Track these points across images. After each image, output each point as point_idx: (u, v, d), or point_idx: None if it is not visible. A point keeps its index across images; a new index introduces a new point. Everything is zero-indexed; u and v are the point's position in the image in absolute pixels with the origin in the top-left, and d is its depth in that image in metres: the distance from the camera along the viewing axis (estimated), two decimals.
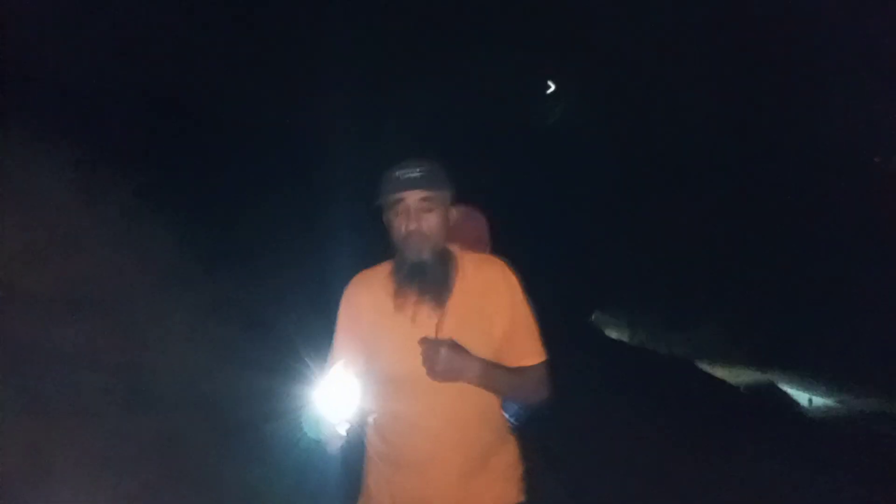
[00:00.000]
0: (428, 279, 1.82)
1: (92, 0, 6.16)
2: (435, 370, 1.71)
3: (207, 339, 4.89)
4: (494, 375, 1.82)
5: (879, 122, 8.06)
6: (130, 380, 3.99)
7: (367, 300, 1.92)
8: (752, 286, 9.64)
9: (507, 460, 1.98)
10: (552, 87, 13.31)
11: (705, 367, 8.95)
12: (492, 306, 1.87)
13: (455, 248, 1.94)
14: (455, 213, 1.93)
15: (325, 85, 9.35)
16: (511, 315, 1.88)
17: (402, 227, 1.80)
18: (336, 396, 1.66)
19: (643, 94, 11.25)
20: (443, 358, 1.71)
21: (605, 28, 11.03)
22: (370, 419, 1.86)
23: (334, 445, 1.73)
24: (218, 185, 7.01)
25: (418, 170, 1.80)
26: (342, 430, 1.66)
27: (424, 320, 1.82)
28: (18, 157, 4.53)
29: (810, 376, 8.26)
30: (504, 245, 2.19)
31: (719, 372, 8.78)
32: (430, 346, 1.73)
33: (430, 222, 1.81)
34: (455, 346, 1.74)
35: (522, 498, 1.97)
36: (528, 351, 1.90)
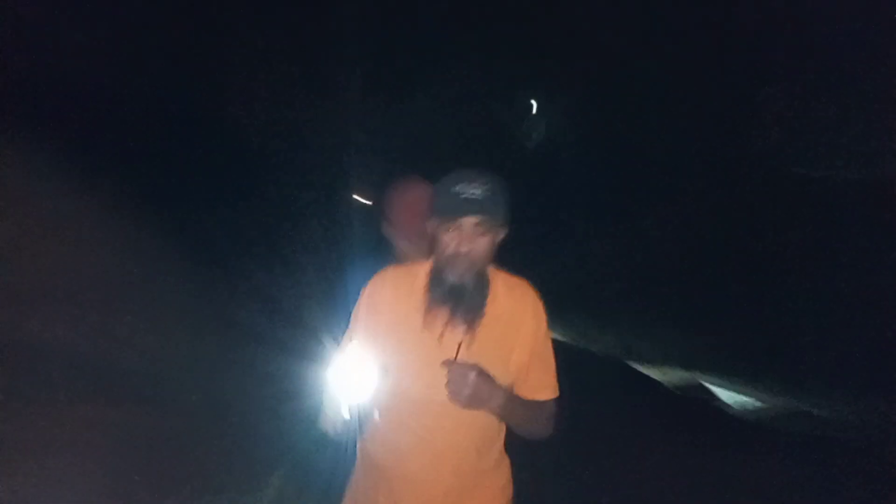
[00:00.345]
0: (464, 303, 1.77)
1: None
2: (461, 395, 1.66)
3: (223, 323, 5.05)
4: (514, 407, 1.78)
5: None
6: (149, 370, 3.97)
7: (393, 305, 1.86)
8: (683, 288, 9.83)
9: (500, 482, 1.98)
10: (534, 107, 13.24)
11: (638, 366, 9.12)
12: (515, 336, 1.84)
13: (490, 270, 1.87)
14: (504, 234, 1.85)
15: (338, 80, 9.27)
16: (532, 347, 1.85)
17: (451, 247, 1.75)
18: (350, 376, 1.69)
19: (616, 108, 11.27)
20: (471, 384, 1.66)
21: (587, 42, 11.01)
22: (375, 416, 1.83)
23: (340, 425, 1.75)
24: (231, 174, 6.95)
25: (480, 190, 1.72)
26: (353, 410, 1.69)
27: (451, 342, 1.76)
28: (8, 153, 4.38)
29: (737, 377, 8.45)
30: None
31: (652, 372, 8.94)
32: (459, 371, 1.67)
33: (481, 247, 1.75)
34: (483, 374, 1.69)
35: None
36: (543, 385, 1.89)
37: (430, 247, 1.86)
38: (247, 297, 5.64)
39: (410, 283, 1.87)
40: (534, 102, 13.11)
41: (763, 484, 4.55)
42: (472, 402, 1.67)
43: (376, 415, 1.79)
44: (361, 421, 1.77)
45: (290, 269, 6.42)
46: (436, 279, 1.81)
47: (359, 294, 2.00)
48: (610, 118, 11.31)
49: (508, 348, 1.83)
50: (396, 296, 1.86)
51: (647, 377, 8.64)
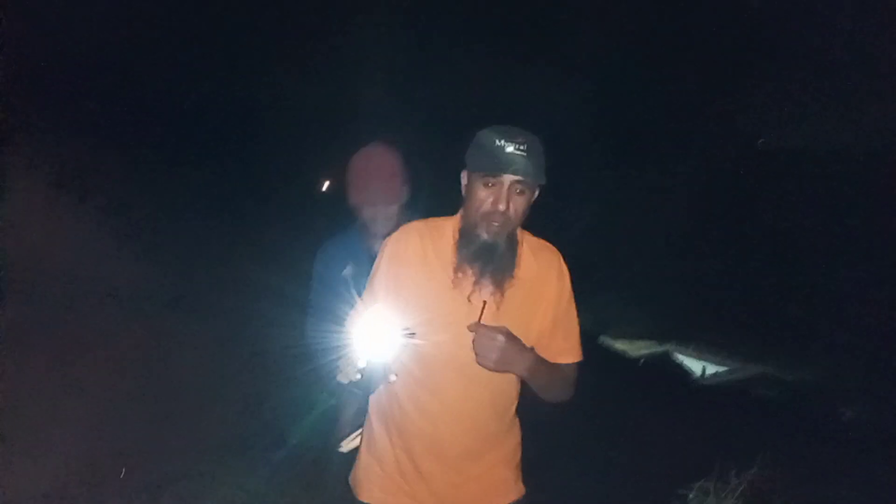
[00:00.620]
0: (494, 263, 1.73)
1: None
2: (489, 358, 1.61)
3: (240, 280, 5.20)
4: (540, 371, 1.75)
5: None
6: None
7: (420, 261, 1.80)
8: (650, 261, 9.97)
9: (512, 443, 1.97)
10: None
11: (606, 340, 9.26)
12: (540, 298, 1.82)
13: (521, 232, 1.82)
14: (538, 193, 1.79)
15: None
16: (556, 309, 1.84)
17: (487, 202, 1.68)
18: (373, 336, 1.59)
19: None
20: (499, 347, 1.61)
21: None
22: (391, 378, 1.73)
23: (356, 376, 1.63)
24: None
25: (525, 147, 1.65)
26: (370, 365, 1.60)
27: (478, 302, 1.72)
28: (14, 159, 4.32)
29: (704, 347, 8.60)
30: None
31: (619, 345, 9.07)
32: (487, 334, 1.62)
33: (519, 206, 1.70)
34: (511, 336, 1.65)
35: (520, 483, 1.99)
36: (566, 349, 1.89)
37: (464, 201, 1.79)
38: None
39: (437, 239, 1.82)
40: None
41: (733, 447, 4.68)
42: (500, 364, 1.63)
43: (392, 377, 1.71)
44: (377, 375, 1.68)
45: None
46: (466, 237, 1.75)
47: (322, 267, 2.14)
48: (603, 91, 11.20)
49: (533, 311, 1.81)
50: (423, 251, 1.81)
51: (617, 351, 8.78)
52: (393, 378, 1.71)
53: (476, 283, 1.75)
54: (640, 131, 10.86)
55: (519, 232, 1.81)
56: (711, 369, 7.96)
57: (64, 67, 5.31)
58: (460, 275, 1.75)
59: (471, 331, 1.65)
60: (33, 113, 4.61)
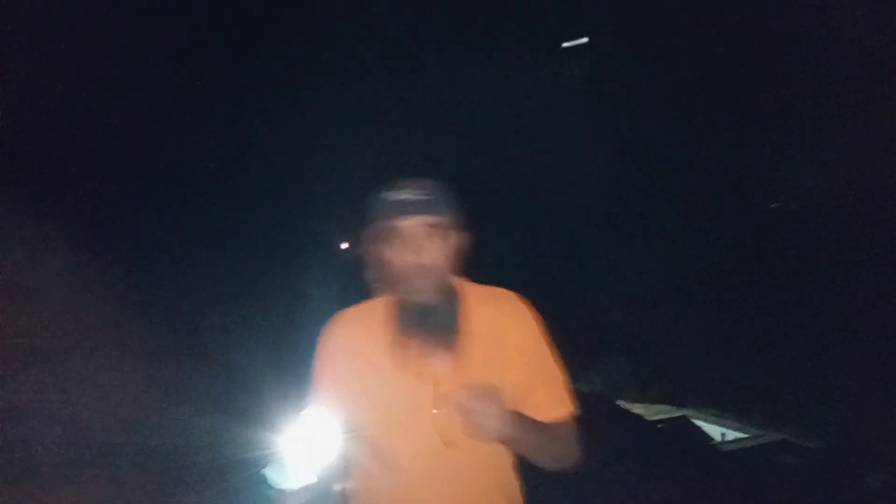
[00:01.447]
0: (436, 325, 1.53)
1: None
2: (486, 425, 1.37)
3: (165, 383, 4.64)
4: (529, 429, 1.49)
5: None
6: (85, 429, 3.79)
7: (353, 349, 1.61)
8: (666, 324, 9.91)
9: None
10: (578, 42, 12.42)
11: (624, 404, 9.15)
12: (502, 350, 1.57)
13: (458, 281, 1.63)
14: (464, 239, 1.61)
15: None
16: (527, 360, 1.59)
17: (401, 261, 1.50)
18: (308, 443, 1.43)
19: None
20: (496, 412, 1.37)
21: None
22: (340, 487, 1.57)
23: (299, 500, 1.44)
24: (173, 224, 6.66)
25: (416, 190, 1.51)
26: (311, 481, 1.41)
27: (429, 376, 1.52)
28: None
29: (723, 412, 8.49)
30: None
31: (637, 408, 8.96)
32: (475, 401, 1.38)
33: (433, 253, 1.50)
34: (497, 393, 1.41)
35: None
36: (552, 403, 1.60)
37: (380, 273, 1.60)
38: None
39: (368, 319, 1.62)
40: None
41: None
42: (499, 432, 1.39)
43: (341, 486, 1.54)
44: (330, 489, 1.50)
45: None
46: (399, 306, 1.56)
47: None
48: None
49: (498, 367, 1.56)
50: (358, 340, 1.61)
51: (634, 414, 8.67)
52: (342, 487, 1.57)
53: (422, 354, 1.53)
54: (659, 193, 10.85)
55: (461, 284, 1.63)
56: (731, 435, 7.83)
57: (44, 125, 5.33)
58: (401, 351, 1.54)
59: (439, 408, 1.45)
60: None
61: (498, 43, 11.35)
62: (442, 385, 1.50)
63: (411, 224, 1.49)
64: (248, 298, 6.49)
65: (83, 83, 6.08)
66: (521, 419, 1.46)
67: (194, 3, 8.18)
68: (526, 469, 1.67)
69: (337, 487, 1.56)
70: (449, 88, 10.98)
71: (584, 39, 12.11)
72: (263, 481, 1.47)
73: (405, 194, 1.50)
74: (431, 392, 1.50)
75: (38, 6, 5.46)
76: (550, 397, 1.60)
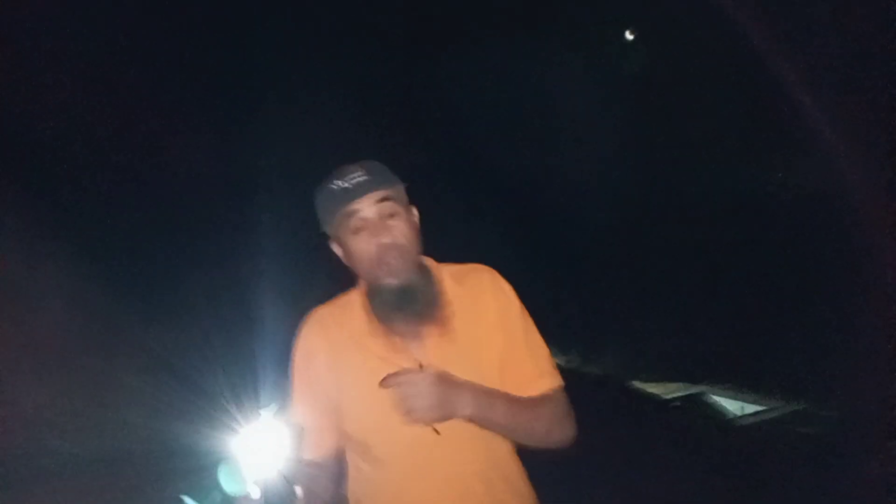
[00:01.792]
0: (421, 302, 1.48)
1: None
2: (419, 407, 1.32)
3: (115, 386, 4.59)
4: (495, 405, 1.42)
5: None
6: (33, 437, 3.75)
7: (330, 345, 1.54)
8: (679, 302, 9.86)
9: None
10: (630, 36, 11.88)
11: (638, 384, 9.12)
12: (480, 325, 1.53)
13: (429, 260, 1.60)
14: (417, 213, 1.56)
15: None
16: (505, 333, 1.53)
17: (369, 246, 1.43)
18: (260, 449, 1.36)
19: None
20: (426, 392, 1.32)
21: None
22: (296, 492, 1.44)
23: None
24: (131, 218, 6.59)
25: (359, 171, 1.45)
26: (259, 487, 1.34)
27: (417, 358, 1.47)
28: None
29: (741, 385, 8.45)
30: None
31: (652, 388, 8.93)
32: (406, 380, 1.34)
33: (401, 228, 1.45)
34: (441, 376, 1.36)
35: None
36: (534, 374, 1.54)
37: (350, 265, 1.54)
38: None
39: (344, 313, 1.57)
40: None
41: (770, 486, 4.54)
42: (437, 410, 1.33)
43: (298, 490, 1.43)
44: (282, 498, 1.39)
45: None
46: (374, 293, 1.50)
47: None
48: None
49: (479, 342, 1.51)
50: (332, 335, 1.55)
51: (648, 393, 8.65)
52: (298, 491, 1.45)
53: (406, 338, 1.49)
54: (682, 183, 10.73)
55: (431, 264, 1.59)
56: (749, 408, 7.79)
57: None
58: (382, 339, 1.49)
59: (386, 387, 1.36)
60: None
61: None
62: (427, 366, 1.45)
63: (365, 203, 1.43)
64: (199, 295, 6.41)
65: (82, 83, 6.07)
66: (476, 392, 1.40)
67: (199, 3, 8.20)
68: (535, 453, 1.60)
69: (296, 490, 1.46)
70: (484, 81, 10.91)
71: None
72: (216, 485, 1.46)
73: (351, 177, 1.45)
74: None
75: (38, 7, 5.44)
76: (534, 370, 1.54)
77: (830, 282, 7.71)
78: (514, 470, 1.60)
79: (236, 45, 9.15)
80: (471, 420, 1.40)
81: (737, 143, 9.62)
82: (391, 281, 1.45)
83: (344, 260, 1.54)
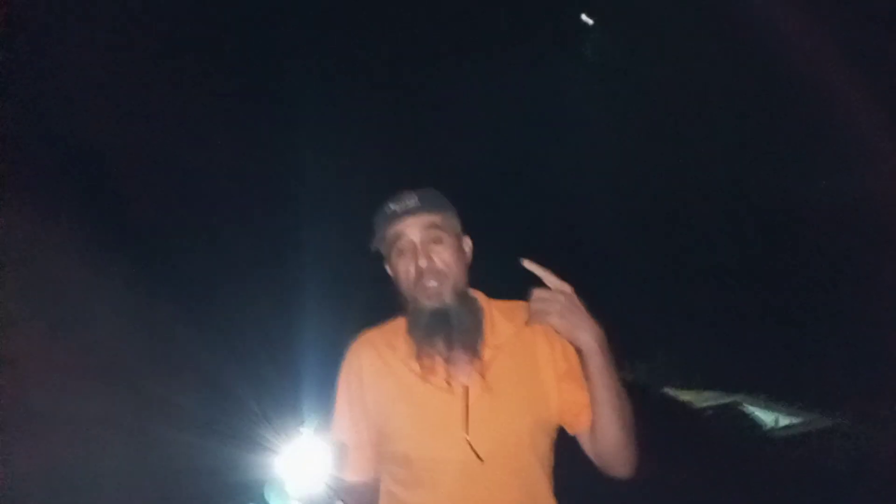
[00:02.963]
0: (456, 328, 1.48)
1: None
2: (550, 311, 1.34)
3: (154, 401, 4.64)
4: (610, 365, 1.41)
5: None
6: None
7: (377, 365, 1.57)
8: (714, 309, 9.74)
9: None
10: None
11: (671, 392, 9.04)
12: (532, 358, 1.53)
13: (480, 295, 1.61)
14: (469, 243, 1.60)
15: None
16: (558, 373, 1.53)
17: (409, 268, 1.48)
18: (304, 467, 1.39)
19: None
20: (562, 300, 1.35)
21: None
22: None
23: None
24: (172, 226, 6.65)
25: (413, 198, 1.50)
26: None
27: (459, 386, 1.48)
28: (21, 238, 4.34)
29: (776, 397, 8.33)
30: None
31: (685, 396, 8.84)
32: (542, 294, 1.37)
33: (443, 255, 1.49)
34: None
35: None
36: (589, 414, 1.50)
37: (396, 287, 1.57)
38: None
39: (391, 336, 1.59)
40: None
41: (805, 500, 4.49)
42: (566, 319, 1.34)
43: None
44: None
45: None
46: (414, 315, 1.51)
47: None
48: None
49: (530, 374, 1.52)
50: (382, 357, 1.57)
51: (682, 402, 8.56)
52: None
53: (447, 362, 1.49)
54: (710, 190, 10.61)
55: (481, 297, 1.61)
56: (784, 420, 7.67)
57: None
58: (426, 361, 1.50)
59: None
60: None
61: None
62: (473, 396, 1.46)
63: (411, 227, 1.48)
64: (243, 311, 6.42)
65: (92, 83, 6.18)
66: (604, 340, 1.41)
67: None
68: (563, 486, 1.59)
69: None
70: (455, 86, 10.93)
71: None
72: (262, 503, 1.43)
73: (401, 203, 1.50)
74: (463, 405, 1.46)
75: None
76: (585, 406, 1.50)
77: (872, 295, 7.57)
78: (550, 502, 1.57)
79: (282, 57, 9.30)
80: (591, 354, 1.38)
81: (769, 149, 9.51)
82: (427, 303, 1.48)
83: (393, 280, 1.57)
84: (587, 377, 1.42)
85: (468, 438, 1.43)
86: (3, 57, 4.47)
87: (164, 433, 4.25)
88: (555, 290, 1.37)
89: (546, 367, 1.53)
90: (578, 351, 1.39)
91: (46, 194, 5.18)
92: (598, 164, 11.40)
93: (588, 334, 1.36)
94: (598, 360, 1.38)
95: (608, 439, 1.46)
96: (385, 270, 1.60)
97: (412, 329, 1.52)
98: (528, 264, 1.39)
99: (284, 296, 6.50)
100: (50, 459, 3.71)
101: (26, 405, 3.77)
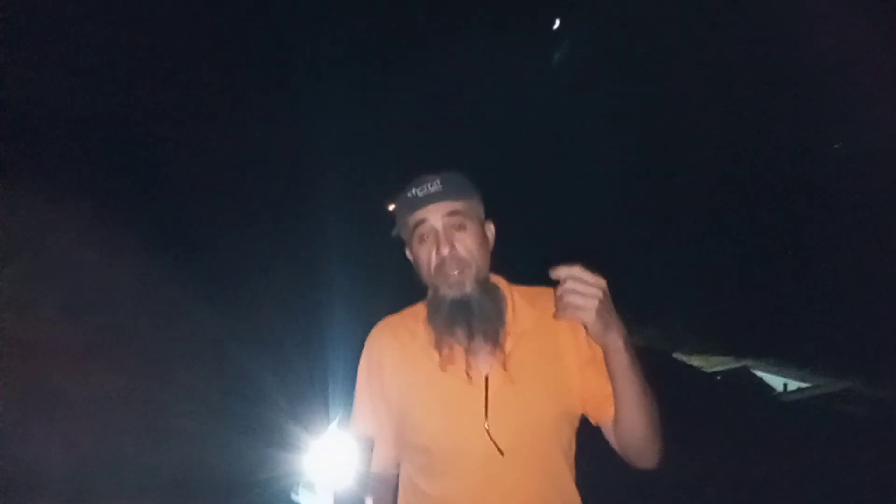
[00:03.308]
0: (476, 318, 1.44)
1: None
2: (578, 304, 1.25)
3: (179, 393, 4.64)
4: (635, 359, 1.35)
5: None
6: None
7: (398, 354, 1.54)
8: (724, 274, 9.72)
9: None
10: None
11: (681, 356, 9.06)
12: (554, 346, 1.49)
13: (501, 281, 1.57)
14: (493, 229, 1.55)
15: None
16: (581, 360, 1.49)
17: (431, 255, 1.44)
18: (332, 462, 1.34)
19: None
20: (593, 293, 1.25)
21: None
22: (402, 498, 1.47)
23: None
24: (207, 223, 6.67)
25: (437, 181, 1.45)
26: (333, 499, 1.31)
27: (479, 376, 1.44)
28: (31, 217, 4.33)
29: (785, 362, 8.34)
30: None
31: (695, 360, 8.86)
32: (582, 275, 1.25)
33: (466, 242, 1.44)
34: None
35: None
36: (611, 402, 1.46)
37: (418, 273, 1.53)
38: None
39: (414, 323, 1.55)
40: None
41: (813, 464, 4.50)
42: (594, 314, 1.25)
43: (368, 502, 1.41)
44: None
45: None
46: (434, 303, 1.47)
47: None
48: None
49: (553, 362, 1.48)
50: (402, 343, 1.54)
51: (692, 366, 8.58)
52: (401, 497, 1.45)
53: (468, 352, 1.45)
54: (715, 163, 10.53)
55: (502, 284, 1.56)
56: (793, 385, 7.69)
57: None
58: (446, 351, 1.46)
59: (555, 276, 1.28)
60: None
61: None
62: (493, 386, 1.43)
63: (433, 214, 1.44)
64: (270, 304, 6.41)
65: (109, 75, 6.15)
66: (628, 339, 1.33)
67: None
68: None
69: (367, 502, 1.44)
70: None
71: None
72: (289, 500, 1.42)
73: (424, 187, 1.45)
74: (483, 395, 1.42)
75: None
76: (609, 396, 1.46)
77: (882, 263, 7.52)
78: (573, 496, 1.54)
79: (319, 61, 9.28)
80: (616, 352, 1.33)
81: (779, 114, 9.40)
82: (448, 292, 1.44)
83: (414, 266, 1.53)
84: (611, 374, 1.38)
85: (488, 429, 1.40)
86: (8, 35, 4.42)
87: (200, 429, 4.27)
88: (590, 284, 1.26)
89: (569, 354, 1.49)
90: (604, 348, 1.34)
91: (74, 182, 5.18)
92: (607, 141, 11.34)
93: (617, 333, 1.30)
94: (623, 359, 1.33)
95: (633, 434, 1.43)
96: (406, 256, 1.56)
97: (432, 317, 1.48)
98: (556, 272, 1.28)
99: (313, 289, 6.51)
100: (71, 444, 3.74)
101: (48, 389, 3.79)
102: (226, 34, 7.89)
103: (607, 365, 1.37)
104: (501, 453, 1.39)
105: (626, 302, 1.56)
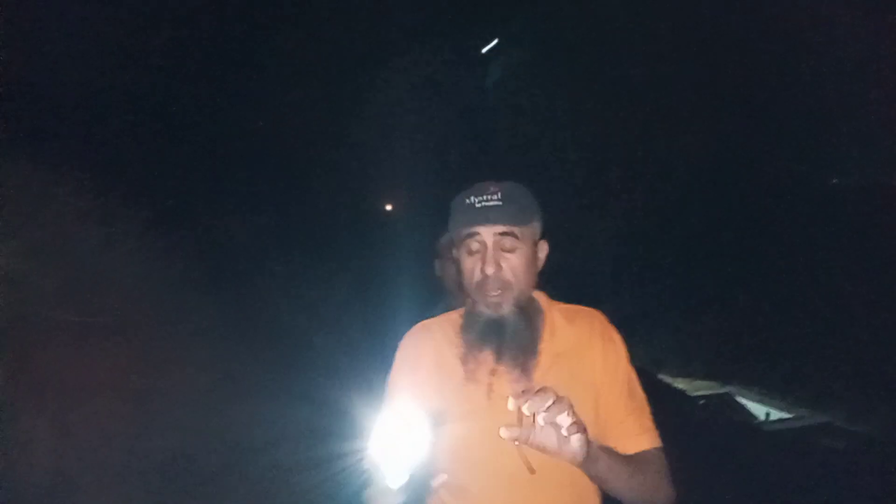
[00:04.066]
0: (507, 341, 1.42)
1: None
2: (570, 449, 1.22)
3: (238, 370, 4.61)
4: (607, 461, 1.34)
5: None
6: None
7: (430, 360, 1.53)
8: (712, 299, 9.74)
9: None
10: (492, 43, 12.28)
11: (666, 378, 9.07)
12: (586, 374, 1.48)
13: (542, 298, 1.55)
14: (546, 249, 1.52)
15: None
16: (611, 385, 1.48)
17: (475, 270, 1.42)
18: (397, 442, 1.26)
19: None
20: (575, 430, 1.20)
21: None
22: (436, 485, 1.43)
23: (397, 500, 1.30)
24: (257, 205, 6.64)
25: (498, 196, 1.40)
26: (400, 483, 1.25)
27: (503, 394, 1.37)
28: (29, 189, 4.32)
29: (768, 390, 8.36)
30: None
31: (679, 383, 8.88)
32: (556, 408, 1.19)
33: (513, 264, 1.40)
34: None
35: None
36: (635, 430, 1.48)
37: (460, 281, 1.51)
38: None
39: (447, 331, 1.54)
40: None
41: (788, 496, 4.51)
42: (583, 450, 1.22)
43: (439, 479, 1.40)
44: (419, 491, 1.34)
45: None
46: (469, 318, 1.47)
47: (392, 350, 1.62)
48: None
49: (581, 390, 1.42)
50: (436, 350, 1.53)
51: (676, 389, 8.59)
52: (440, 480, 1.41)
53: (492, 374, 1.43)
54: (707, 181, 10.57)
55: (544, 301, 1.55)
56: (775, 414, 7.71)
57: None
58: (472, 365, 1.44)
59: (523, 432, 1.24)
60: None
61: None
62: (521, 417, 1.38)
63: (486, 229, 1.40)
64: (327, 282, 6.44)
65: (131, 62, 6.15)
66: (598, 450, 1.32)
67: None
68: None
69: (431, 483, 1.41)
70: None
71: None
72: (361, 478, 1.38)
73: (485, 198, 1.41)
74: (497, 410, 1.37)
75: None
76: (636, 426, 1.49)
77: (870, 292, 7.55)
78: None
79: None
80: (588, 467, 1.31)
81: (772, 138, 9.46)
82: (485, 311, 1.43)
83: (455, 270, 1.54)
84: (594, 480, 1.39)
85: (519, 447, 1.34)
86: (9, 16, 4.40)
87: (252, 404, 4.28)
88: (559, 410, 1.20)
89: (600, 380, 1.49)
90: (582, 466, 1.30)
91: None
92: (599, 152, 11.38)
93: (585, 454, 1.25)
94: (591, 470, 1.33)
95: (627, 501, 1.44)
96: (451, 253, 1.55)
97: (465, 330, 1.48)
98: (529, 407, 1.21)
99: (312, 288, 6.50)
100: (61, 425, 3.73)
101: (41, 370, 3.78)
102: (232, 18, 7.91)
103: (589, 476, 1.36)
104: (532, 471, 1.36)
105: (613, 320, 1.58)
